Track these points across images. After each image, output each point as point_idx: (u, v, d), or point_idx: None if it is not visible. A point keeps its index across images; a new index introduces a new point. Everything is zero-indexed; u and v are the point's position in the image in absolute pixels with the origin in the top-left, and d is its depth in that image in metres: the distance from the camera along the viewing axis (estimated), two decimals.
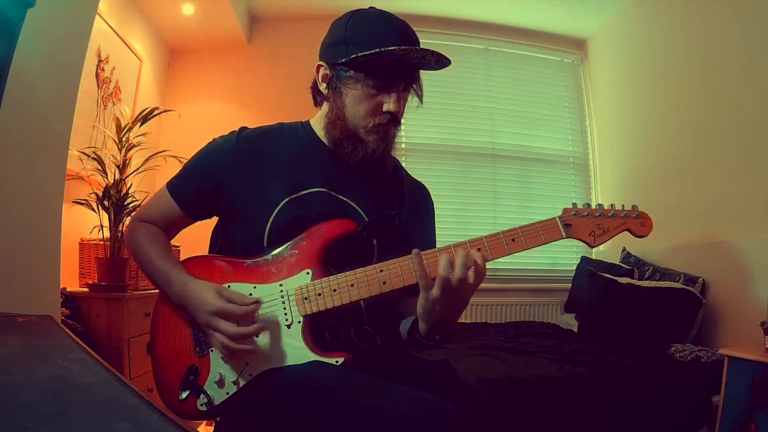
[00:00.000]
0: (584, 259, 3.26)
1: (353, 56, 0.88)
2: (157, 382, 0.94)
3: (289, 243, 0.92)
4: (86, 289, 2.10)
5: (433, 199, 1.14)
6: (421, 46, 0.92)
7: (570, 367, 1.93)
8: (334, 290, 0.88)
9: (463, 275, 0.79)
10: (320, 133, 1.01)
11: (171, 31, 3.20)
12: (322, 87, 0.97)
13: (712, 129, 2.52)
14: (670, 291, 2.29)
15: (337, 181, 0.97)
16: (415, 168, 3.28)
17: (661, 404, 1.86)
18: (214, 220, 1.05)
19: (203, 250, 1.03)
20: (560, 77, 3.77)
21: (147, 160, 2.30)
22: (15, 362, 0.60)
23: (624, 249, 2.98)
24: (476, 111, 3.59)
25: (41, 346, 0.72)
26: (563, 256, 3.57)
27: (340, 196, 0.97)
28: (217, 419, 0.94)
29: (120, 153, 2.21)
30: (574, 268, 3.24)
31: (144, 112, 2.28)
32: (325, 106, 0.98)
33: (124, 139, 2.22)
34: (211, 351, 0.90)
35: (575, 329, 2.77)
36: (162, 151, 2.35)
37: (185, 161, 1.04)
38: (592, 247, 0.89)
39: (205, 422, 1.90)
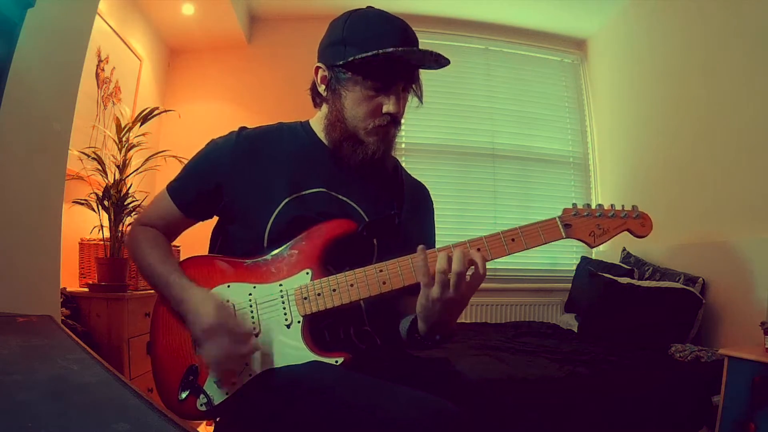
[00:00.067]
0: (584, 259, 3.26)
1: (351, 59, 0.88)
2: (156, 382, 0.94)
3: (289, 243, 0.92)
4: (86, 289, 2.11)
5: (433, 199, 1.14)
6: (421, 46, 0.92)
7: (570, 367, 1.93)
8: (334, 290, 0.88)
9: (461, 269, 0.79)
10: (320, 133, 1.00)
11: (171, 31, 3.20)
12: (321, 89, 0.97)
13: (712, 129, 2.52)
14: (670, 291, 2.29)
15: (337, 181, 0.97)
16: (415, 168, 3.28)
17: (661, 404, 1.86)
18: (215, 220, 1.05)
19: (203, 250, 1.03)
20: (560, 77, 3.77)
21: (147, 160, 2.30)
22: (15, 362, 0.60)
23: (624, 249, 2.98)
24: (476, 111, 3.59)
25: (41, 346, 0.72)
26: (563, 256, 3.57)
27: (340, 196, 0.96)
28: (217, 419, 0.94)
29: (120, 153, 2.21)
30: (574, 268, 3.24)
31: (144, 112, 2.28)
32: (325, 108, 0.98)
33: (124, 139, 2.22)
34: None
35: (575, 329, 2.77)
36: (162, 151, 2.35)
37: (185, 161, 1.04)
38: (592, 247, 0.89)
39: (205, 422, 1.90)
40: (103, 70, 2.46)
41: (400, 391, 0.75)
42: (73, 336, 0.80)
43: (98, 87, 2.43)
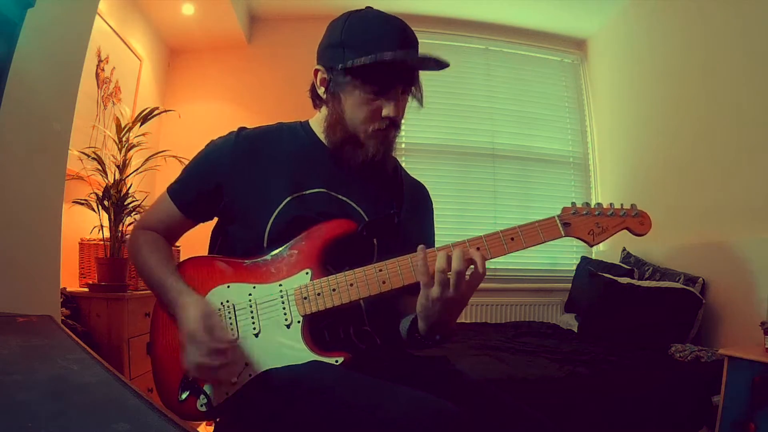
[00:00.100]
0: (584, 259, 3.26)
1: (349, 64, 0.88)
2: (156, 382, 0.94)
3: (289, 243, 0.92)
4: (86, 289, 2.11)
5: (434, 199, 1.14)
6: (421, 46, 0.92)
7: (570, 367, 1.93)
8: (334, 290, 0.88)
9: (460, 269, 0.79)
10: (320, 133, 1.00)
11: (171, 31, 3.20)
12: (321, 91, 0.96)
13: (712, 129, 2.52)
14: (670, 291, 2.29)
15: (337, 181, 0.97)
16: (415, 168, 3.28)
17: (661, 404, 1.86)
18: (215, 221, 1.05)
19: (203, 250, 1.03)
20: (560, 77, 3.77)
21: (147, 160, 2.30)
22: (15, 362, 0.60)
23: (624, 249, 2.98)
24: (476, 111, 3.59)
25: (41, 346, 0.72)
26: (563, 256, 3.57)
27: (340, 197, 0.96)
28: (217, 419, 0.94)
29: (120, 153, 2.21)
30: (574, 268, 3.24)
31: (144, 112, 2.28)
32: (324, 109, 0.98)
33: (124, 139, 2.22)
34: None
35: (575, 329, 2.77)
36: (162, 151, 2.36)
37: (185, 161, 1.04)
38: (591, 246, 0.89)
39: (204, 422, 1.90)
40: (103, 70, 2.46)
41: (400, 391, 0.75)
42: (73, 336, 0.80)
43: (98, 87, 2.43)
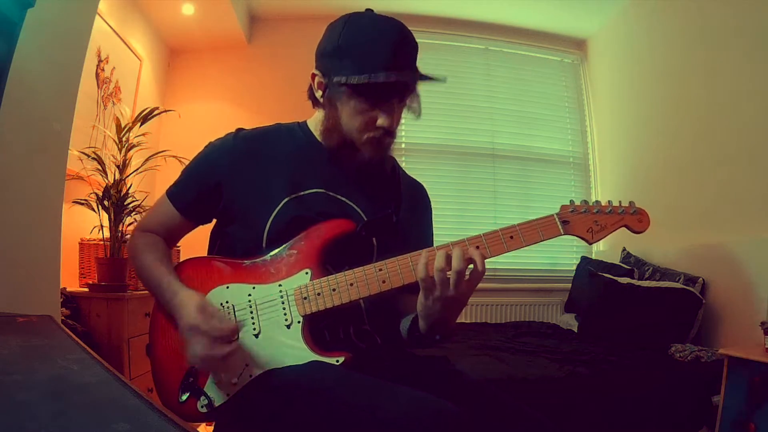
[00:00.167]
0: (584, 259, 3.26)
1: (344, 80, 0.87)
2: (156, 384, 0.94)
3: (288, 243, 0.92)
4: (86, 289, 2.11)
5: (434, 199, 1.14)
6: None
7: (570, 367, 1.93)
8: (334, 290, 0.88)
9: (460, 268, 0.79)
10: (318, 134, 1.00)
11: (171, 31, 3.20)
12: (318, 94, 0.96)
13: (712, 129, 2.52)
14: (670, 291, 2.29)
15: (336, 181, 0.97)
16: (415, 168, 3.28)
17: (661, 404, 1.86)
18: (214, 222, 1.05)
19: (203, 251, 1.03)
20: (560, 77, 3.77)
21: (147, 160, 2.30)
22: (15, 362, 0.60)
23: (624, 249, 2.98)
24: (476, 111, 3.59)
25: (41, 346, 0.72)
26: (563, 256, 3.57)
27: (339, 197, 0.97)
28: (217, 420, 0.94)
29: (120, 153, 2.21)
30: (574, 268, 3.23)
31: (144, 112, 2.28)
32: (322, 112, 0.98)
33: (124, 139, 2.22)
34: None
35: (575, 329, 2.77)
36: (162, 151, 2.36)
37: (185, 161, 1.04)
38: (590, 244, 0.89)
39: (204, 422, 1.90)
40: (103, 70, 2.46)
41: (400, 391, 0.75)
42: (73, 336, 0.80)
43: (98, 87, 2.43)
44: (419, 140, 3.51)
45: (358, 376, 0.81)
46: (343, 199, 0.97)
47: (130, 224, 2.12)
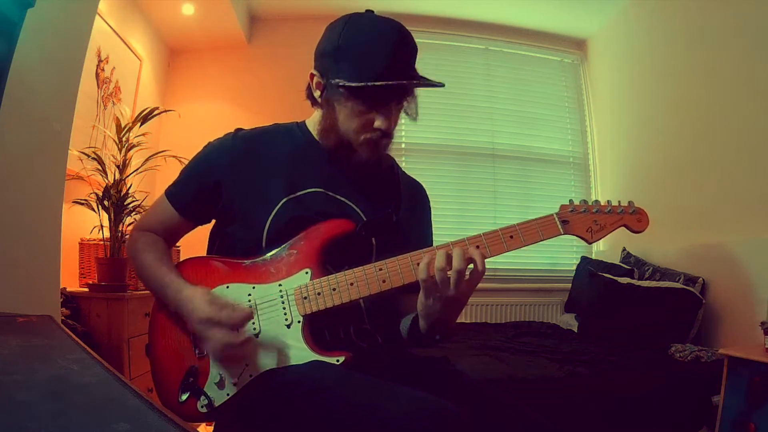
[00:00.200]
0: (584, 259, 3.26)
1: (342, 83, 0.88)
2: (156, 384, 0.94)
3: (288, 243, 0.92)
4: (86, 289, 2.11)
5: (434, 199, 1.14)
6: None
7: (570, 367, 1.93)
8: (334, 289, 0.88)
9: (460, 267, 0.80)
10: (316, 134, 1.00)
11: (171, 31, 3.20)
12: (316, 94, 0.97)
13: (712, 129, 2.52)
14: (670, 291, 2.29)
15: (334, 181, 0.97)
16: (415, 168, 3.28)
17: (661, 404, 1.86)
18: (213, 222, 1.05)
19: (203, 251, 1.03)
20: (560, 77, 3.77)
21: (147, 160, 2.30)
22: (15, 362, 0.60)
23: (624, 249, 2.98)
24: (476, 111, 3.59)
25: (41, 346, 0.72)
26: (563, 256, 3.57)
27: (338, 196, 0.97)
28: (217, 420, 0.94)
29: (120, 153, 2.21)
30: (574, 268, 3.23)
31: (144, 112, 2.28)
32: (320, 112, 0.98)
33: (124, 139, 2.22)
34: None
35: (575, 329, 2.77)
36: (162, 151, 2.36)
37: (185, 161, 1.04)
38: (589, 243, 0.89)
39: (204, 422, 1.90)
40: (103, 70, 2.46)
41: (401, 391, 0.75)
42: (73, 336, 0.80)
43: (98, 87, 2.43)
44: (419, 140, 3.50)
45: (359, 376, 0.81)
46: (342, 199, 0.97)
47: (130, 224, 2.12)
